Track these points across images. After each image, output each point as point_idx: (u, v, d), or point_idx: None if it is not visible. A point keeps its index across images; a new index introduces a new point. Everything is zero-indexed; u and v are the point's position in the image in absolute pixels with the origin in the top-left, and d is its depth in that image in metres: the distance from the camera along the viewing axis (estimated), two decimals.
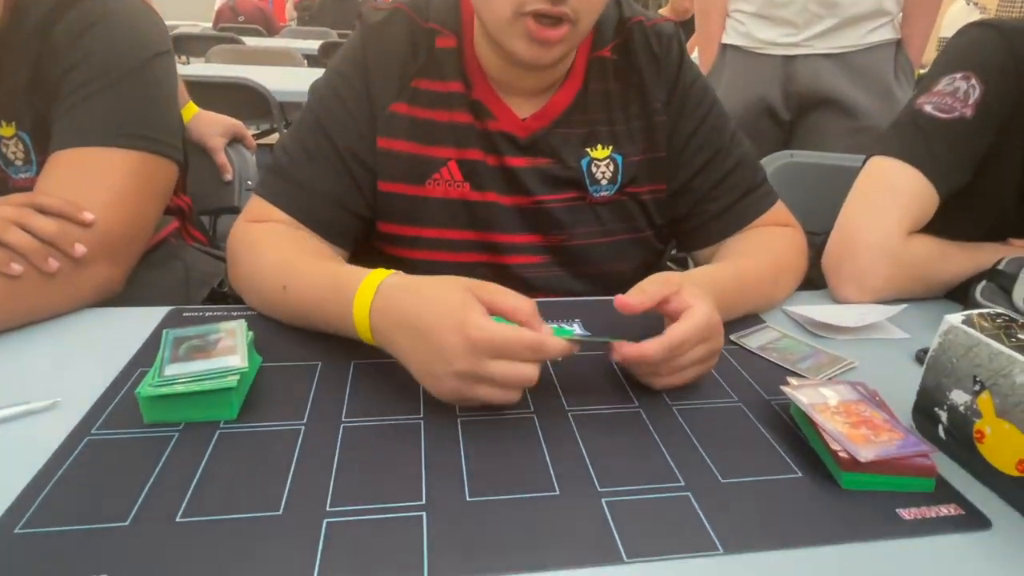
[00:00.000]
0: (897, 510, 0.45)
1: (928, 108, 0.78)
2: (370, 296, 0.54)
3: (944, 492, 0.47)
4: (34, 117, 0.74)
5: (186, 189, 0.96)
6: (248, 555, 0.39)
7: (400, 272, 0.56)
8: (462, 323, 0.48)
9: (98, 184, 0.68)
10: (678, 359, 0.55)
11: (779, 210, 0.82)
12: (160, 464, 0.46)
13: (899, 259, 0.75)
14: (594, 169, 0.76)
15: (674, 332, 0.54)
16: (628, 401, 0.56)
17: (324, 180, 0.72)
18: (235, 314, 0.66)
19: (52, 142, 0.70)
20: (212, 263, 0.92)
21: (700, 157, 0.78)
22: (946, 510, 0.45)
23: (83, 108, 0.70)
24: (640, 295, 0.56)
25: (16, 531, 0.40)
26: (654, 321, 0.59)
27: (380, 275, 0.55)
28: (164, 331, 0.57)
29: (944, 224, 0.77)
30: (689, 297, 0.56)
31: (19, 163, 0.77)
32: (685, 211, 0.81)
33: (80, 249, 0.64)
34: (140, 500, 0.43)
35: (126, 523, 0.41)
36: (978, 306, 0.69)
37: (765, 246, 0.77)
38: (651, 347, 0.53)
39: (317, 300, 0.60)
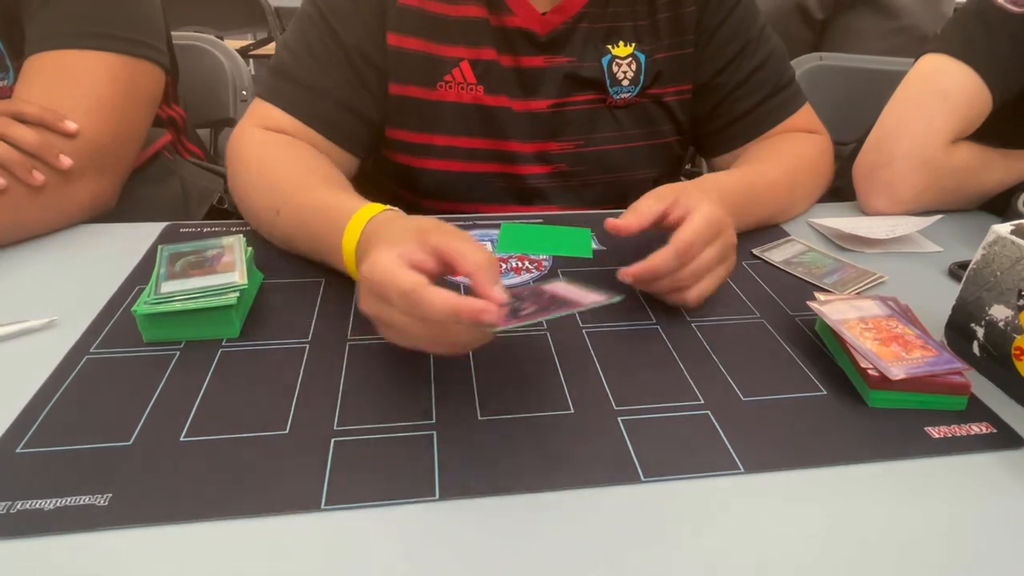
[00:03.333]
0: (925, 428, 0.43)
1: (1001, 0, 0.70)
2: (358, 232, 0.49)
3: (975, 410, 0.45)
4: (4, 18, 0.68)
5: (178, 99, 0.91)
6: (255, 475, 0.38)
7: (395, 208, 0.51)
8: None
9: (78, 91, 0.64)
10: (694, 265, 0.51)
11: (806, 114, 0.77)
12: (162, 383, 0.45)
13: (937, 170, 0.70)
14: (615, 68, 0.71)
15: (679, 236, 0.50)
16: (645, 317, 0.54)
17: (331, 80, 0.66)
18: (234, 229, 0.63)
19: (26, 44, 0.65)
20: (211, 179, 0.88)
21: (727, 50, 0.73)
22: (977, 428, 0.43)
23: (55, 6, 0.65)
24: (633, 215, 0.52)
25: (18, 450, 0.39)
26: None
27: (373, 210, 0.50)
28: (159, 247, 0.55)
29: (993, 129, 0.72)
30: (687, 202, 0.52)
31: None
32: (706, 112, 0.76)
33: (66, 161, 0.61)
34: (143, 419, 0.42)
35: (129, 443, 0.40)
36: (1019, 216, 0.65)
37: (783, 151, 0.72)
38: (658, 258, 0.50)
39: (309, 229, 0.55)
